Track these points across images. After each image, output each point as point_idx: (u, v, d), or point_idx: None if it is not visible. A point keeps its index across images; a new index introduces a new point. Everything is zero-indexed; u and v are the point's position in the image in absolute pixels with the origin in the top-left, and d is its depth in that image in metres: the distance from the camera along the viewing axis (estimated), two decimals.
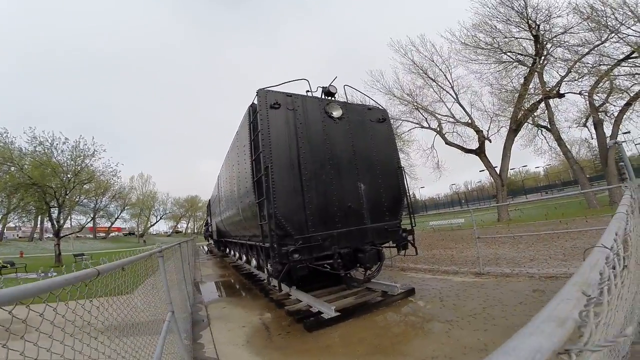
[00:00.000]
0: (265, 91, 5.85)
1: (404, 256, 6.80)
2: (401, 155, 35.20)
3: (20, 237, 46.12)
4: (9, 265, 15.96)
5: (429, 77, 20.44)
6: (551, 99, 17.63)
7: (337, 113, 6.43)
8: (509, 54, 17.93)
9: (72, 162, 19.76)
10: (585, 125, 18.75)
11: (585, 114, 17.72)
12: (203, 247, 34.76)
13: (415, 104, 21.17)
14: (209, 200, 19.82)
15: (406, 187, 6.89)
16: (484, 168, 22.14)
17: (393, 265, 9.63)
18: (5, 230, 49.13)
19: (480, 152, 20.86)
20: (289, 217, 5.28)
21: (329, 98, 6.67)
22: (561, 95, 17.34)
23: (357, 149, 6.45)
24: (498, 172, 21.31)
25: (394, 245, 6.48)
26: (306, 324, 5.00)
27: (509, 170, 49.71)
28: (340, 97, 7.69)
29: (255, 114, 5.86)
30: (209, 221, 20.88)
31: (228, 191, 9.87)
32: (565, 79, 16.70)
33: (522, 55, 17.70)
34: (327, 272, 5.66)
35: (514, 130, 19.75)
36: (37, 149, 19.02)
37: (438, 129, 21.84)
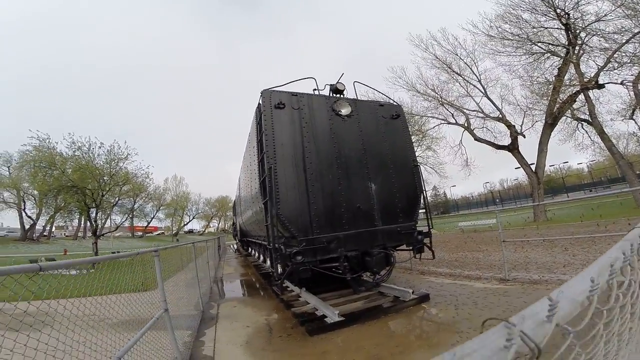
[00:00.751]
0: (270, 91, 5.80)
1: (420, 260, 6.44)
2: (429, 153, 34.06)
3: (67, 236, 49.79)
4: (50, 261, 17.12)
5: (454, 71, 19.52)
6: (590, 91, 16.17)
7: (345, 110, 6.23)
8: (539, 44, 16.67)
9: (107, 165, 20.93)
10: (632, 117, 17.03)
11: (631, 106, 16.06)
12: (232, 245, 35.61)
13: (440, 99, 20.28)
14: (234, 201, 20.40)
15: (423, 186, 6.51)
16: (519, 165, 20.82)
17: (413, 268, 9.21)
18: (54, 229, 53.36)
19: (513, 148, 19.60)
20: (293, 219, 5.20)
21: (337, 96, 6.49)
22: (601, 86, 15.87)
23: (367, 147, 6.20)
24: (534, 169, 19.93)
25: (409, 248, 6.13)
26: (308, 328, 4.87)
27: (548, 166, 46.64)
28: (353, 94, 7.42)
29: (260, 114, 5.80)
30: (235, 221, 21.45)
31: (246, 192, 10.03)
32: (604, 69, 15.23)
33: (553, 45, 16.38)
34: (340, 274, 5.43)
35: (550, 125, 18.36)
36: (75, 153, 20.25)
37: (466, 125, 20.77)
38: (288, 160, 5.44)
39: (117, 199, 26.46)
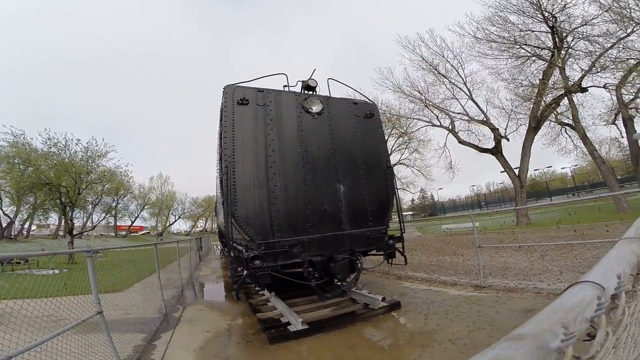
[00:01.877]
0: (233, 87, 5.50)
1: (390, 265, 6.22)
2: (416, 156, 34.27)
3: (47, 235, 48.29)
4: (22, 261, 16.36)
5: (440, 73, 19.47)
6: (574, 95, 16.30)
7: (315, 108, 5.96)
8: (525, 47, 16.74)
9: (84, 162, 20.23)
10: (614, 122, 17.25)
11: (614, 110, 16.26)
12: (217, 246, 35.00)
13: (425, 101, 20.24)
14: (215, 200, 19.96)
15: (395, 189, 6.28)
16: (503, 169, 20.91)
17: (390, 272, 9.00)
18: (34, 228, 51.71)
19: (496, 151, 19.67)
20: (251, 221, 4.90)
21: (308, 93, 6.23)
22: (584, 90, 16.00)
23: (338, 146, 5.93)
24: (517, 173, 20.05)
25: (380, 253, 5.88)
26: (269, 335, 4.62)
27: (532, 170, 47.36)
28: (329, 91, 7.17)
29: (221, 111, 5.54)
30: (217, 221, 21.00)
31: (219, 191, 9.66)
32: (589, 72, 15.36)
33: (539, 48, 16.46)
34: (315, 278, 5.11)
35: (533, 129, 18.48)
36: (51, 149, 19.52)
37: (450, 128, 20.78)
38: (248, 158, 5.12)
39: (98, 197, 25.75)
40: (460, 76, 19.29)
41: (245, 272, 4.72)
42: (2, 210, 32.37)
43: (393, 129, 25.63)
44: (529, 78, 17.31)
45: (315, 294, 6.36)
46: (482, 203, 46.32)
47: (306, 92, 6.28)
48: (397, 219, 6.53)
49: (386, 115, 24.24)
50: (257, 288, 7.93)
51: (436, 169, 28.94)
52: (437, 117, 21.09)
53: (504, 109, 19.32)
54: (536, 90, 16.74)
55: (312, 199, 5.37)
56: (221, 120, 5.62)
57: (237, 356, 4.23)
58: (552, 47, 16.09)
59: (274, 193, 5.14)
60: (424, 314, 5.14)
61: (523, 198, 19.86)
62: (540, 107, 17.27)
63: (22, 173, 19.88)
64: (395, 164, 36.80)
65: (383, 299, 5.59)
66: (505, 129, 19.97)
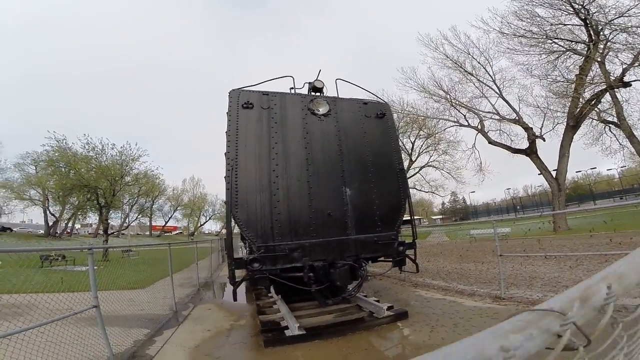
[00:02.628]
0: (238, 91, 5.59)
1: (400, 272, 5.92)
2: (445, 158, 33.05)
3: (89, 234, 51.71)
4: (60, 257, 17.49)
5: (466, 71, 18.51)
6: (617, 90, 14.85)
7: (322, 109, 5.87)
8: (558, 42, 15.48)
9: (118, 165, 21.41)
10: None
11: None
12: (242, 247, 35.68)
13: (451, 100, 19.34)
14: None
15: (408, 192, 5.97)
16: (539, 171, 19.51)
17: (406, 279, 8.60)
18: (79, 227, 55.53)
19: (530, 152, 18.37)
20: (252, 223, 4.90)
21: (315, 94, 6.18)
22: (627, 84, 14.52)
23: (345, 148, 5.77)
24: (555, 175, 18.64)
25: (389, 260, 5.59)
26: (264, 338, 4.56)
27: (575, 172, 43.95)
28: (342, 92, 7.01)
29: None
30: None
31: None
32: (632, 66, 13.92)
33: (574, 42, 15.16)
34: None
35: (572, 127, 17.08)
36: (89, 153, 20.82)
37: (479, 127, 19.71)
38: (251, 161, 5.16)
39: (135, 198, 27.24)
40: (489, 73, 18.28)
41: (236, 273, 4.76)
42: (48, 209, 35.08)
43: (420, 130, 24.83)
44: (564, 74, 16.01)
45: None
46: (518, 207, 43.60)
47: (313, 93, 6.22)
48: (410, 225, 6.21)
49: (411, 117, 23.57)
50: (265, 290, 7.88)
51: (467, 172, 27.60)
52: (465, 116, 20.12)
53: (538, 107, 18.08)
54: (573, 87, 15.46)
55: (315, 202, 5.25)
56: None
57: (229, 357, 4.21)
58: (587, 40, 14.77)
59: (275, 196, 5.10)
60: (431, 326, 4.80)
61: (561, 202, 18.40)
62: (579, 104, 15.94)
63: (65, 175, 21.34)
64: (423, 166, 35.70)
65: (389, 308, 5.33)
66: (541, 128, 18.68)
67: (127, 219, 35.99)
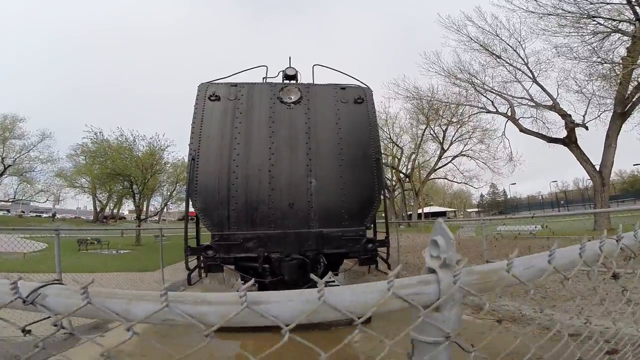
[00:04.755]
0: (206, 84, 5.69)
1: (369, 272, 5.59)
2: (480, 147, 30.97)
3: (134, 219, 55.85)
4: (95, 242, 18.97)
5: (494, 54, 16.88)
6: None
7: (291, 97, 5.68)
8: (599, 21, 13.51)
9: (148, 155, 22.72)
10: None
11: None
12: None
13: (474, 85, 17.85)
14: None
15: (383, 184, 5.57)
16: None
17: (399, 277, 8.15)
18: (127, 213, 60.09)
19: (569, 141, 16.52)
20: (209, 212, 5.01)
21: (287, 82, 6.07)
22: None
23: (314, 137, 5.52)
24: (599, 167, 16.68)
25: (355, 256, 5.27)
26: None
27: (633, 166, 39.10)
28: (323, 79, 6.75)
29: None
30: None
31: None
32: None
33: (617, 21, 13.15)
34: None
35: (620, 115, 15.05)
36: (122, 144, 22.29)
37: (509, 114, 18.05)
38: (213, 152, 5.26)
39: (167, 185, 28.95)
40: (520, 56, 16.53)
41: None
42: (96, 197, 38.21)
43: (440, 118, 23.49)
44: (610, 56, 14.01)
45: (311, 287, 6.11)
46: (562, 202, 39.83)
47: (286, 81, 6.11)
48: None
49: (431, 103, 22.27)
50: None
51: (503, 162, 25.70)
52: (493, 102, 18.53)
53: (582, 92, 16.11)
54: (618, 70, 13.54)
55: (276, 193, 5.13)
56: None
57: (175, 335, 4.31)
58: (633, 19, 12.77)
59: (234, 186, 5.11)
60: (386, 334, 4.44)
61: (604, 198, 16.42)
62: (629, 89, 13.97)
63: (102, 165, 23.07)
64: (456, 156, 33.96)
65: None
66: (584, 116, 16.67)
67: (166, 205, 38.33)
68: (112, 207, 43.33)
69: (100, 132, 22.46)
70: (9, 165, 32.94)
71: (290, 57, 6.26)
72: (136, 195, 23.39)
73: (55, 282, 0.64)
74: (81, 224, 37.74)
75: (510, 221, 21.02)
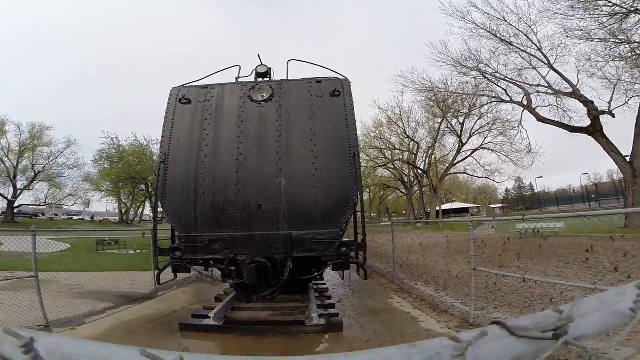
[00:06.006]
0: (178, 88, 5.70)
1: (342, 278, 5.26)
2: (501, 139, 29.38)
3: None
4: (113, 242, 19.64)
5: (503, 40, 15.78)
6: None
7: (261, 95, 5.49)
8: (614, 1, 12.23)
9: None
10: None
11: None
12: None
13: (483, 73, 16.80)
14: None
15: (359, 182, 5.15)
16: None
17: (395, 281, 7.73)
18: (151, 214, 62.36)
19: (594, 130, 15.21)
20: (177, 214, 5.02)
21: (260, 80, 5.92)
22: None
23: (285, 134, 5.26)
24: (630, 158, 15.28)
25: (328, 260, 4.94)
26: (179, 322, 4.91)
27: None
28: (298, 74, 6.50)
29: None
30: None
31: None
32: None
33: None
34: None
35: None
36: (137, 149, 23.04)
37: (525, 103, 16.84)
38: (182, 155, 5.24)
39: None
40: (532, 41, 15.34)
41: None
42: (121, 199, 39.77)
43: (461, 109, 22.46)
44: (629, 37, 12.69)
45: (293, 293, 5.94)
46: (593, 196, 37.06)
47: (258, 79, 5.96)
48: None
49: (441, 95, 21.29)
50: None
51: (541, 156, 24.24)
52: (506, 91, 17.37)
53: (605, 77, 14.78)
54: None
55: (243, 194, 4.97)
56: None
57: (142, 334, 4.75)
58: None
59: (201, 188, 5.05)
60: (350, 348, 4.13)
61: (637, 192, 15.01)
62: None
63: (121, 170, 23.90)
64: (476, 149, 32.50)
65: (321, 316, 4.91)
66: (610, 103, 15.32)
67: None
68: (135, 209, 45.06)
69: (116, 138, 23.28)
70: (39, 172, 34.89)
71: (259, 55, 6.15)
72: (152, 197, 24.07)
73: None
74: (107, 225, 39.42)
75: (533, 219, 19.73)
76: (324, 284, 7.84)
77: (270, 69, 6.15)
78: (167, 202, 5.07)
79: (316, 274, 5.00)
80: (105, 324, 5.18)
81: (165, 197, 5.07)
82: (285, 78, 5.97)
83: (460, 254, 10.17)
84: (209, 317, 4.79)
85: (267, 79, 6.02)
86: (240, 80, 6.04)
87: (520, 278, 4.62)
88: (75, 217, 53.00)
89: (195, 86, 5.75)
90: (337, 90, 5.50)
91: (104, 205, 50.46)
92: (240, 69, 6.19)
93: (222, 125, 5.38)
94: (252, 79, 6.15)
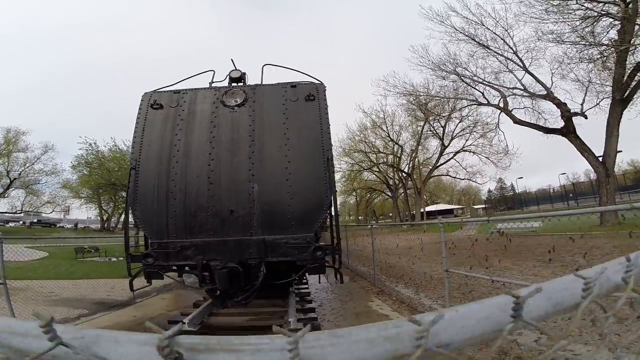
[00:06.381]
0: (150, 93, 5.64)
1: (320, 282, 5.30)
2: (482, 142, 30.16)
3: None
4: (92, 250, 19.09)
5: (480, 43, 16.28)
6: None
7: (234, 100, 5.48)
8: (587, 5, 12.81)
9: None
10: None
11: None
12: None
13: (462, 76, 17.25)
14: None
15: (333, 186, 5.15)
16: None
17: (377, 283, 7.77)
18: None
19: (567, 131, 15.77)
20: (149, 221, 4.95)
21: (233, 85, 5.91)
22: None
23: (257, 139, 5.24)
24: (602, 158, 15.89)
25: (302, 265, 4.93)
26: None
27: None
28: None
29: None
30: None
31: None
32: None
33: (604, 3, 12.43)
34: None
35: (620, 101, 14.30)
36: (116, 155, 22.46)
37: (502, 106, 17.36)
38: (153, 161, 5.17)
39: None
40: (508, 45, 15.88)
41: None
42: (101, 206, 38.73)
43: (441, 113, 22.90)
44: (599, 39, 13.30)
45: (276, 297, 5.99)
46: (571, 195, 38.35)
47: (232, 84, 5.95)
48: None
49: (421, 98, 21.72)
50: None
51: (522, 157, 25.01)
52: (483, 94, 17.87)
53: (578, 80, 15.38)
54: (615, 53, 12.82)
55: (215, 200, 4.93)
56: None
57: None
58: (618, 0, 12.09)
59: (172, 194, 4.98)
60: None
61: (610, 190, 15.59)
62: (626, 74, 13.23)
63: (99, 176, 23.24)
64: (458, 151, 33.19)
65: (299, 320, 4.95)
66: (582, 104, 15.92)
67: None
68: (118, 216, 43.96)
69: (94, 143, 22.69)
70: (15, 179, 33.65)
71: (232, 60, 6.14)
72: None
73: None
74: (87, 232, 38.25)
75: (497, 220, 20.17)
76: (307, 287, 7.84)
77: (244, 73, 6.13)
78: (138, 208, 5.01)
79: (291, 278, 4.96)
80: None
81: (136, 203, 5.01)
82: (260, 83, 5.97)
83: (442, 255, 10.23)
84: (184, 323, 4.67)
85: (241, 84, 6.00)
86: (213, 85, 6.03)
87: (488, 279, 4.66)
88: (57, 226, 51.39)
89: (168, 91, 5.71)
90: (312, 95, 5.52)
91: (84, 212, 49.11)
92: (214, 73, 6.17)
93: (194, 130, 5.34)
94: (226, 84, 6.13)
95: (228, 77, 6.03)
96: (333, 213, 5.19)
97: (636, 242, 8.77)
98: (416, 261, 9.16)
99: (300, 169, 5.08)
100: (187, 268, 5.11)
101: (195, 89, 5.75)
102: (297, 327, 4.70)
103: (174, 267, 5.04)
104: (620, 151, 16.37)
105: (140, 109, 5.54)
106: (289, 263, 4.92)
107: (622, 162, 46.32)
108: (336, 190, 5.26)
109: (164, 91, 5.71)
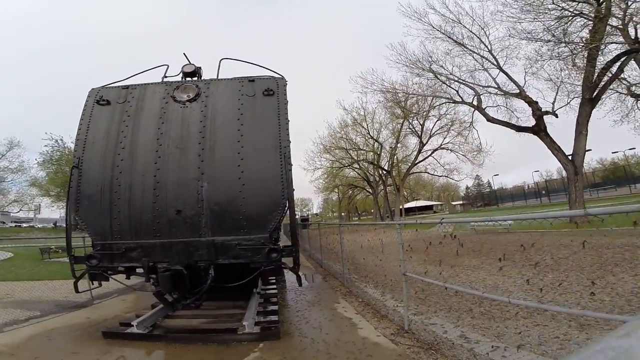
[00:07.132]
0: (97, 89, 5.44)
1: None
2: (459, 139, 30.65)
3: None
4: (60, 250, 18.25)
5: (456, 41, 16.50)
6: None
7: (186, 95, 5.29)
8: (562, 5, 13.15)
9: None
10: None
11: None
12: None
13: (437, 74, 17.46)
14: None
15: (289, 185, 4.89)
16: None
17: (346, 283, 7.62)
18: None
19: (539, 130, 16.16)
20: (91, 221, 4.78)
21: (186, 80, 5.71)
22: None
23: (209, 136, 5.04)
24: (572, 156, 16.34)
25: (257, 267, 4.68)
26: (103, 330, 4.86)
27: (612, 154, 38.96)
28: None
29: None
30: None
31: None
32: None
33: (577, 2, 12.80)
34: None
35: (589, 101, 14.72)
36: None
37: (476, 104, 17.66)
38: (97, 159, 4.99)
39: None
40: (484, 43, 16.14)
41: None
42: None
43: (418, 110, 23.10)
44: (571, 38, 13.70)
45: (240, 299, 5.82)
46: (544, 192, 39.74)
47: (185, 79, 5.76)
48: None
49: (398, 95, 21.87)
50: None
51: (499, 155, 25.63)
52: (457, 92, 18.14)
53: (550, 79, 15.75)
54: (586, 53, 13.21)
55: (162, 199, 4.73)
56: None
57: (64, 342, 4.72)
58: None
59: (117, 194, 4.80)
60: (284, 357, 3.99)
61: (579, 188, 16.04)
62: (595, 73, 13.64)
63: (68, 173, 22.27)
64: (436, 149, 33.64)
65: (259, 323, 4.82)
66: (553, 103, 16.38)
67: None
68: None
69: (61, 139, 21.68)
70: None
71: (185, 54, 5.88)
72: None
73: None
74: (60, 232, 36.64)
75: (484, 216, 20.64)
76: (274, 288, 7.62)
77: (199, 68, 5.90)
78: (81, 208, 4.82)
79: (244, 281, 4.73)
80: (25, 332, 5.10)
81: (79, 203, 4.82)
82: (216, 77, 5.71)
83: (415, 253, 10.26)
84: (132, 326, 4.61)
85: (195, 79, 5.78)
86: (166, 80, 5.77)
87: (442, 286, 4.45)
88: (25, 225, 49.08)
89: (116, 87, 5.51)
90: (271, 89, 5.33)
91: (55, 211, 47.07)
92: (167, 67, 5.93)
93: (141, 127, 5.14)
94: (179, 78, 5.90)
95: (181, 71, 5.80)
96: (289, 213, 4.99)
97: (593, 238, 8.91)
98: (386, 261, 9.04)
99: (255, 167, 4.88)
100: (136, 270, 4.94)
101: (145, 84, 5.52)
102: (253, 330, 4.54)
103: (121, 269, 4.86)
104: (590, 150, 16.90)
105: (85, 105, 5.34)
106: (243, 265, 4.71)
107: (591, 161, 48.42)
108: (293, 189, 5.02)
109: (113, 87, 5.51)
